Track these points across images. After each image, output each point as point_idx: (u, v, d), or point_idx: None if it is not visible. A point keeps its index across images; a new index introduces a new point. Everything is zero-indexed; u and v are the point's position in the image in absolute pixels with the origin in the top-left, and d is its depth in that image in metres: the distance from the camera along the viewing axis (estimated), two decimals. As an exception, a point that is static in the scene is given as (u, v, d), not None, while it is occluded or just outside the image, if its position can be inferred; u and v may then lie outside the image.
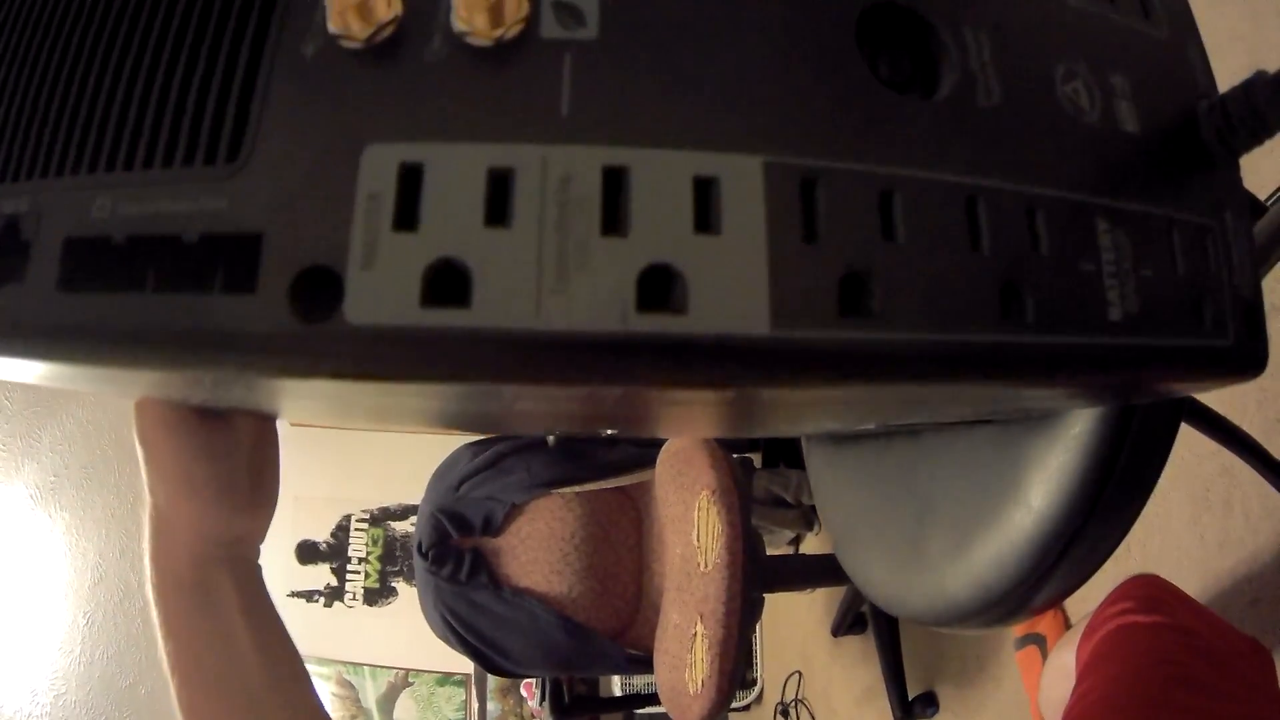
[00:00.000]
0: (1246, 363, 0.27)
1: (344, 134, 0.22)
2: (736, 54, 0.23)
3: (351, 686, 2.46)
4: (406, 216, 0.21)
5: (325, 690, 2.41)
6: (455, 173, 0.21)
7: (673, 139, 0.22)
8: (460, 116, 0.22)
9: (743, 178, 0.22)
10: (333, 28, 0.23)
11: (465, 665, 2.22)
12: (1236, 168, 0.29)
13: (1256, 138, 0.28)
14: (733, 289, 0.21)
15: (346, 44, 0.23)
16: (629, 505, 1.50)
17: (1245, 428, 0.74)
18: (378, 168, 0.21)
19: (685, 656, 1.16)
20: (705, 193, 0.22)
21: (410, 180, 0.21)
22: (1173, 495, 0.98)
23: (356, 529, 2.60)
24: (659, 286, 0.21)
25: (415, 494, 1.57)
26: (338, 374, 0.22)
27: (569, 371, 0.21)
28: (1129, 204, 0.26)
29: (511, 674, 1.77)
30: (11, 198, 0.24)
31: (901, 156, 0.23)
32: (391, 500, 2.62)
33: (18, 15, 0.26)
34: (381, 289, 0.21)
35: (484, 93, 0.22)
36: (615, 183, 0.22)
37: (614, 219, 0.21)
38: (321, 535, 2.58)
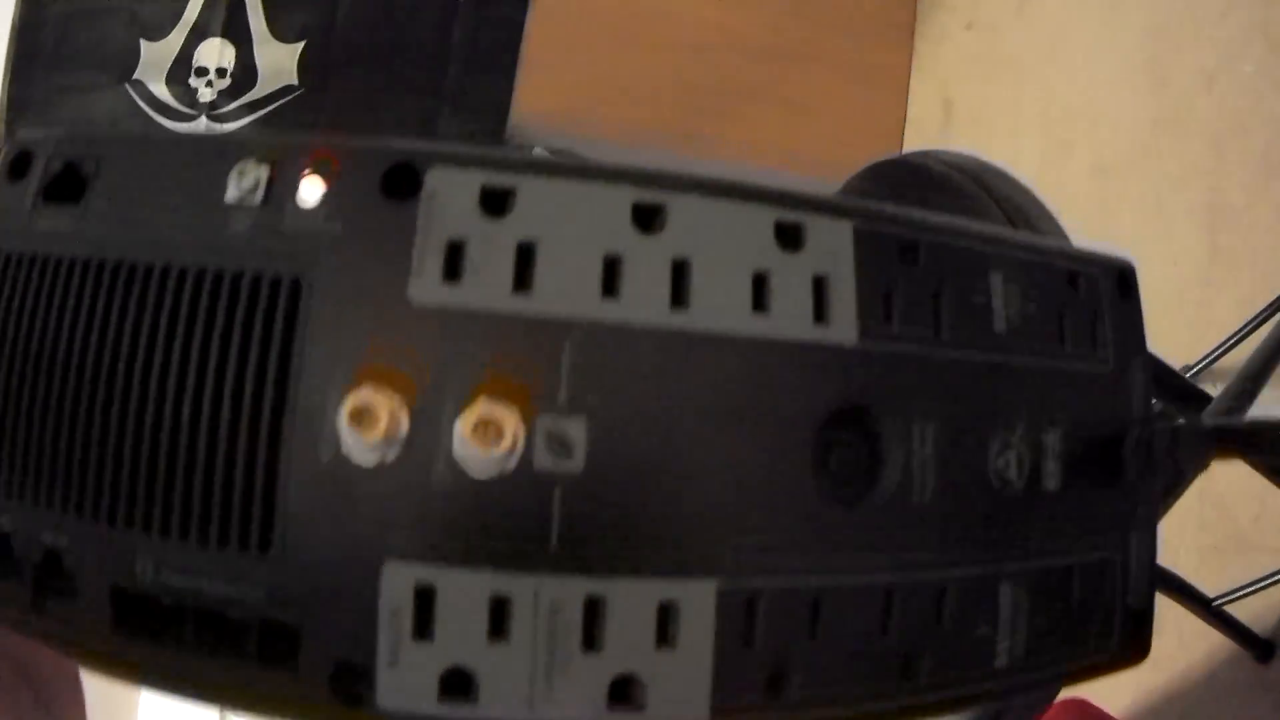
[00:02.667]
0: (1126, 662, 0.33)
1: (365, 546, 0.26)
2: (703, 486, 0.27)
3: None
4: (422, 628, 0.26)
5: None
6: (462, 597, 0.26)
7: (644, 568, 0.27)
8: (465, 542, 0.26)
9: (698, 600, 0.27)
10: (342, 449, 0.26)
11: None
12: (1149, 478, 0.33)
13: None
14: (681, 688, 0.27)
15: (357, 461, 0.26)
16: None
17: (1182, 552, 0.78)
18: (396, 586, 0.26)
19: None
20: (666, 615, 0.27)
21: (424, 598, 0.26)
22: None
23: None
24: (625, 688, 0.27)
25: None
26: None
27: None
28: (1035, 561, 0.30)
29: None
30: (48, 528, 0.27)
31: (834, 567, 0.28)
32: None
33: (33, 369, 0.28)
34: (405, 684, 0.26)
35: (485, 520, 0.26)
36: (594, 608, 0.26)
37: (591, 637, 0.26)
38: None
